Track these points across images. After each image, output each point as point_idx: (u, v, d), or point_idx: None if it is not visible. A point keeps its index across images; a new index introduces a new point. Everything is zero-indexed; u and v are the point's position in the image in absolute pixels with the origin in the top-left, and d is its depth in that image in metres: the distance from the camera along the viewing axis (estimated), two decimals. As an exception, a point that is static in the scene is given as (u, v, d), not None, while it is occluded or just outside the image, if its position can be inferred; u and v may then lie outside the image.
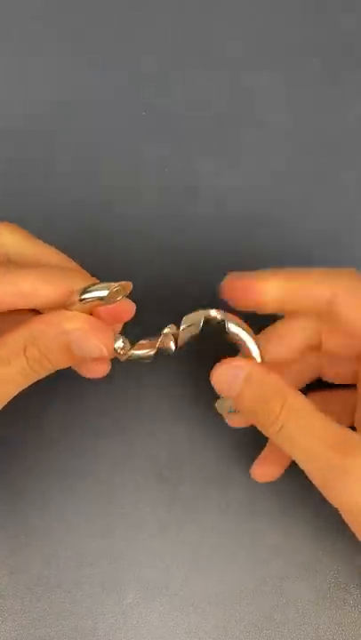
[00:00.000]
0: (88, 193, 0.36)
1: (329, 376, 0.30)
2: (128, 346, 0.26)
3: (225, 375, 0.25)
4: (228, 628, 0.30)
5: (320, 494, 0.32)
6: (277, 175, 0.37)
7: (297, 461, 0.24)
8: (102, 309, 0.25)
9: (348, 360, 0.28)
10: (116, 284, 0.24)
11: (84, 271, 0.26)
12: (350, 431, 0.23)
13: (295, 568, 0.30)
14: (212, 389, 0.31)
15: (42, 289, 0.24)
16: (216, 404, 0.27)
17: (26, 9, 0.40)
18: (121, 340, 0.26)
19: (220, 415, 0.32)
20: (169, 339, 0.27)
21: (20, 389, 0.25)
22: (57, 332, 0.24)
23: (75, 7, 0.40)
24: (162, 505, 0.31)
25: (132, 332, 0.33)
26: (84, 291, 0.24)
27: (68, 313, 0.24)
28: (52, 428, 0.32)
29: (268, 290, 0.25)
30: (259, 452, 0.32)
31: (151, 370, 0.33)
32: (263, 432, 0.25)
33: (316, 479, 0.23)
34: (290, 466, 0.31)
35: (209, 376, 0.33)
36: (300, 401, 0.24)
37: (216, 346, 0.33)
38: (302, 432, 0.23)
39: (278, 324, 0.29)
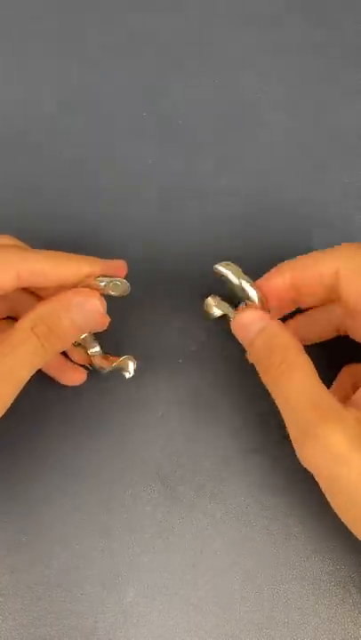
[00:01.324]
0: (88, 193, 0.36)
1: (354, 335, 0.30)
2: (105, 361, 0.31)
3: (245, 321, 0.27)
4: (228, 627, 0.30)
5: (320, 494, 0.32)
6: (277, 175, 0.37)
7: (282, 413, 0.25)
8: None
9: None
10: (114, 281, 0.27)
11: (91, 257, 0.28)
12: (336, 401, 0.24)
13: (295, 568, 0.30)
14: (212, 390, 0.31)
15: (52, 269, 0.27)
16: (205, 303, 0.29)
17: (26, 9, 0.40)
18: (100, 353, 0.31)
19: (219, 417, 0.32)
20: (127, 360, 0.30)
21: (33, 372, 0.26)
22: (61, 303, 0.27)
23: (75, 7, 0.40)
24: (162, 505, 0.31)
25: (134, 331, 0.33)
26: (100, 277, 0.27)
27: (70, 292, 0.27)
28: (51, 429, 0.32)
29: (278, 283, 0.27)
30: (258, 453, 0.32)
31: (150, 372, 0.33)
32: (261, 376, 0.26)
33: (292, 434, 0.25)
34: (289, 466, 0.32)
35: (209, 377, 0.33)
36: (301, 361, 0.25)
37: (217, 349, 0.33)
38: (292, 388, 0.25)
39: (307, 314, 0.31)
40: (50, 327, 0.26)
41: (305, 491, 0.31)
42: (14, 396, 0.26)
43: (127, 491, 0.31)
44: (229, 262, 0.28)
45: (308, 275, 0.27)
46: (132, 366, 0.30)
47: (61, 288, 0.28)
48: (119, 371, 0.30)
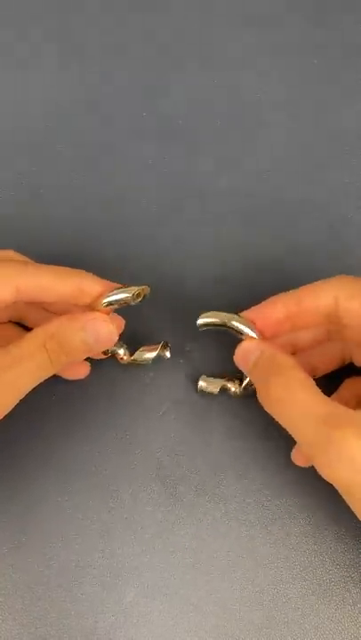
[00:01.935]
0: (88, 193, 0.37)
1: (358, 362, 0.31)
2: (128, 352, 0.31)
3: (243, 352, 0.28)
4: (228, 627, 0.30)
5: (320, 494, 0.32)
6: (277, 175, 0.37)
7: (291, 433, 0.25)
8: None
9: None
10: (137, 288, 0.28)
11: (89, 273, 0.29)
12: (342, 407, 0.24)
13: (295, 568, 0.30)
14: (211, 392, 0.31)
15: (57, 284, 0.27)
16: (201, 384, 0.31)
17: (26, 9, 0.40)
18: (122, 347, 0.31)
19: (219, 417, 0.32)
20: (165, 347, 0.32)
21: (35, 384, 0.27)
22: (75, 323, 0.27)
23: (75, 7, 0.40)
24: (162, 505, 0.31)
25: (134, 330, 0.33)
26: (108, 295, 0.28)
27: (84, 311, 0.28)
28: (51, 429, 0.32)
29: (271, 316, 0.28)
30: (258, 453, 0.32)
31: (152, 372, 0.33)
32: (263, 402, 0.26)
33: (309, 453, 0.24)
34: (290, 466, 0.31)
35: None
36: (300, 377, 0.25)
37: (217, 351, 0.33)
38: (297, 405, 0.24)
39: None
40: (60, 344, 0.27)
41: (305, 490, 0.31)
42: (13, 406, 0.27)
43: (127, 491, 0.31)
44: (207, 312, 0.29)
45: (305, 307, 0.27)
46: (168, 351, 0.32)
47: (71, 305, 0.28)
48: (148, 360, 0.31)
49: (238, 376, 0.31)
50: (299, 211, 0.36)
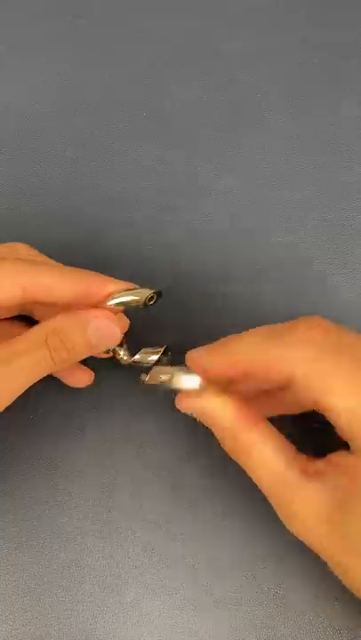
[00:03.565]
0: (88, 193, 0.37)
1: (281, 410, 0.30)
2: (128, 353, 0.30)
3: (188, 387, 0.27)
4: (228, 628, 0.30)
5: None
6: (277, 175, 0.37)
7: (257, 482, 0.25)
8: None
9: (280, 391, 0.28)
10: (149, 292, 0.27)
11: (98, 273, 0.28)
12: (312, 457, 0.24)
13: (295, 567, 0.30)
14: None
15: (61, 284, 0.26)
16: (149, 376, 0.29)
17: (26, 9, 0.40)
18: (122, 348, 0.29)
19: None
20: (168, 351, 0.30)
21: (36, 380, 0.26)
22: (79, 319, 0.27)
23: (75, 7, 0.40)
24: (162, 505, 0.31)
25: (133, 330, 0.33)
26: (117, 296, 0.27)
27: (88, 309, 0.27)
28: (51, 428, 0.32)
29: (221, 366, 0.26)
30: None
31: (137, 367, 0.33)
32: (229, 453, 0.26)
33: (274, 504, 0.25)
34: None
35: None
36: (264, 432, 0.25)
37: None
38: (259, 466, 0.25)
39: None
40: (62, 340, 0.26)
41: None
42: (12, 400, 0.26)
43: (127, 491, 0.31)
44: (146, 372, 0.28)
45: (259, 366, 0.24)
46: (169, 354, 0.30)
47: (78, 304, 0.27)
48: (149, 363, 0.30)
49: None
50: (298, 211, 0.36)
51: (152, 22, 0.40)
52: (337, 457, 0.24)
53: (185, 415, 0.32)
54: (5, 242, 0.35)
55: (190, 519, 0.31)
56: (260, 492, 0.31)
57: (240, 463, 0.26)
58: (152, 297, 0.27)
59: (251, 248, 0.35)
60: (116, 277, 0.34)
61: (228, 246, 0.35)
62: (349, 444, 0.24)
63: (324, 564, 0.30)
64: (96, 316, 0.27)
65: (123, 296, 0.27)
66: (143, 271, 0.35)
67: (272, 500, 0.25)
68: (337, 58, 0.39)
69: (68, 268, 0.28)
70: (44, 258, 0.30)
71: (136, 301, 0.27)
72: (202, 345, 0.27)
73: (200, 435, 0.32)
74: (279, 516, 0.25)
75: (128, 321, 0.30)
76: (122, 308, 0.27)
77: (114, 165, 0.37)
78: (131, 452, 0.32)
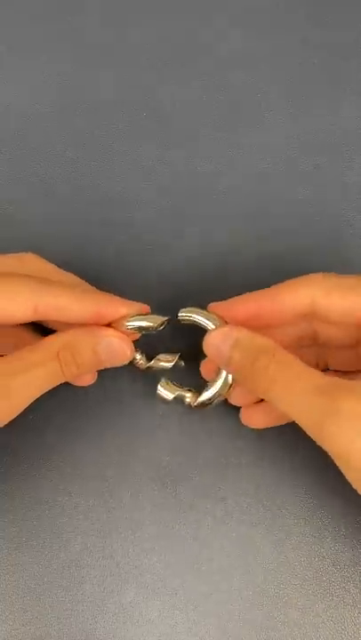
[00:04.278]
0: (88, 194, 0.36)
1: (335, 366, 0.30)
2: (145, 359, 0.30)
3: (215, 340, 0.27)
4: (228, 627, 0.30)
5: (320, 494, 0.32)
6: (277, 175, 0.37)
7: (290, 414, 0.24)
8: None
9: (350, 347, 0.29)
10: (163, 319, 0.28)
11: (111, 295, 0.28)
12: (338, 378, 0.24)
13: (295, 568, 0.30)
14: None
15: (75, 306, 0.27)
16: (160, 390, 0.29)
17: (26, 9, 0.40)
18: (139, 353, 0.29)
19: (219, 417, 0.32)
20: (181, 357, 0.30)
21: (45, 391, 0.27)
22: (91, 336, 0.27)
23: (75, 7, 0.40)
24: (162, 505, 0.31)
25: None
26: (132, 319, 0.28)
27: (101, 326, 0.28)
28: (51, 428, 0.32)
29: (240, 313, 0.27)
30: (258, 453, 0.32)
31: (152, 373, 0.33)
32: (255, 392, 0.26)
33: (310, 427, 0.24)
34: (290, 465, 0.31)
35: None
36: (289, 355, 0.25)
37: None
38: (293, 382, 0.24)
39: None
40: (73, 355, 0.27)
41: (305, 490, 0.31)
42: (20, 411, 0.26)
43: (127, 491, 0.31)
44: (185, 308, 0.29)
45: (279, 304, 0.27)
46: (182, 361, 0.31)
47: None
48: (166, 368, 0.30)
49: (198, 390, 0.29)
50: (298, 211, 0.36)
51: (152, 22, 0.40)
52: None
53: (185, 415, 0.32)
54: (5, 242, 0.35)
55: (191, 519, 0.31)
56: (260, 492, 0.31)
57: (272, 390, 0.25)
58: (163, 322, 0.28)
59: (251, 248, 0.35)
60: (115, 278, 0.35)
61: (229, 246, 0.35)
62: None
63: (325, 563, 0.30)
64: (108, 335, 0.27)
65: (137, 320, 0.28)
66: (142, 270, 0.35)
67: (313, 414, 0.23)
68: (337, 58, 0.39)
69: (81, 287, 0.28)
70: (54, 268, 0.30)
71: (150, 327, 0.28)
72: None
73: (200, 435, 0.32)
74: (324, 433, 0.23)
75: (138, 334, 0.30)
76: (135, 332, 0.28)
77: (114, 165, 0.37)
78: (131, 452, 0.32)
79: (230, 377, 0.28)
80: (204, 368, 0.30)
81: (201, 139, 0.38)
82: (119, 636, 0.30)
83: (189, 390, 0.29)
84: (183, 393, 0.29)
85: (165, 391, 0.29)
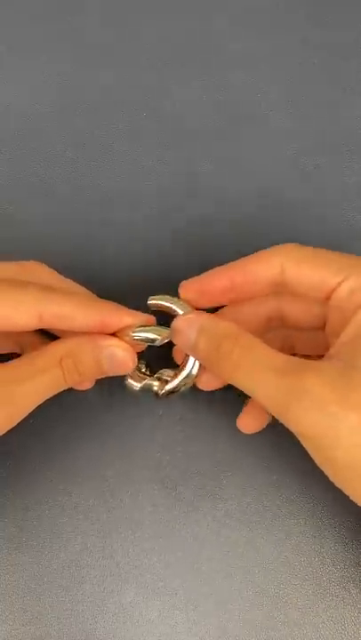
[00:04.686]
0: (88, 194, 0.36)
1: (301, 349, 0.31)
2: (148, 371, 0.30)
3: (180, 326, 0.27)
4: (228, 628, 0.30)
5: (319, 494, 0.32)
6: (277, 175, 0.37)
7: (256, 397, 0.24)
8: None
9: (316, 329, 0.29)
10: (168, 332, 0.27)
11: (116, 304, 0.28)
12: (302, 359, 0.24)
13: (295, 568, 0.30)
14: (211, 392, 0.31)
15: (79, 315, 0.26)
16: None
17: (26, 9, 0.40)
18: (142, 364, 0.29)
19: (219, 418, 0.32)
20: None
21: (45, 399, 0.27)
22: (94, 345, 0.27)
23: (75, 7, 0.40)
24: (162, 505, 0.31)
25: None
26: (138, 330, 0.27)
27: (104, 335, 0.27)
28: (51, 429, 0.32)
29: (215, 285, 0.27)
30: (258, 453, 0.32)
31: (151, 372, 0.33)
32: (221, 377, 0.26)
33: (276, 409, 0.24)
34: (290, 466, 0.32)
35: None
36: (253, 339, 0.25)
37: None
38: (257, 365, 0.24)
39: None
40: (75, 363, 0.27)
41: (305, 490, 0.31)
42: (22, 418, 0.26)
43: (127, 491, 0.31)
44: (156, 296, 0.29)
45: (250, 275, 0.27)
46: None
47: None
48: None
49: (163, 378, 0.29)
50: (299, 211, 0.36)
51: (152, 22, 0.40)
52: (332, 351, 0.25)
53: (185, 415, 0.32)
54: (5, 242, 0.35)
55: (190, 520, 0.31)
56: (260, 492, 0.31)
57: (237, 374, 0.25)
58: (170, 335, 0.28)
59: (251, 249, 0.35)
60: (115, 278, 0.35)
61: (229, 247, 0.35)
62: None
63: (324, 563, 0.30)
64: (111, 344, 0.27)
65: (143, 332, 0.27)
66: (143, 271, 0.35)
67: (278, 396, 0.23)
68: (337, 58, 0.39)
69: (86, 296, 0.28)
70: (57, 276, 0.30)
71: (155, 339, 0.28)
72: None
73: (200, 435, 0.32)
74: (289, 415, 0.23)
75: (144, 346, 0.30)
76: (140, 343, 0.28)
77: (114, 165, 0.37)
78: (131, 452, 0.32)
79: (197, 364, 0.28)
80: (176, 354, 0.30)
81: (201, 139, 0.38)
82: (119, 636, 0.30)
83: (158, 379, 0.29)
84: (151, 382, 0.29)
85: (132, 381, 0.29)
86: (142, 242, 0.35)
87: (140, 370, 0.29)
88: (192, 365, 0.28)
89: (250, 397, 0.28)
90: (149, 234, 0.36)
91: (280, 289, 0.27)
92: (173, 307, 0.28)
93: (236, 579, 0.30)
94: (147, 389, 0.29)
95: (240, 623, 0.30)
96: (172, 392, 0.29)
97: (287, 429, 0.28)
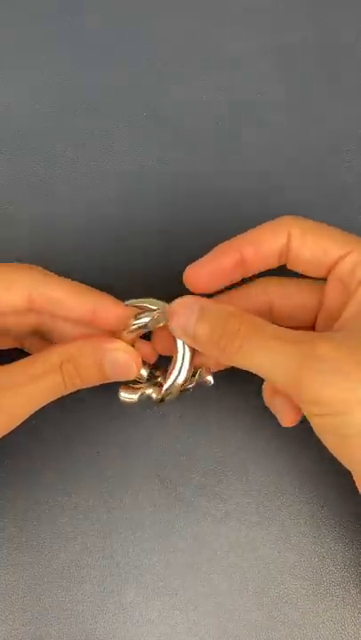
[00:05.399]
0: (88, 193, 0.36)
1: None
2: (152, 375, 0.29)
3: (177, 311, 0.26)
4: (228, 628, 0.30)
5: (320, 494, 0.32)
6: (277, 176, 0.37)
7: (265, 372, 0.24)
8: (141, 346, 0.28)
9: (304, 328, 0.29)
10: (157, 312, 0.27)
11: (110, 296, 0.28)
12: (307, 331, 0.24)
13: (295, 568, 0.30)
14: (211, 390, 0.31)
15: (70, 300, 0.26)
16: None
17: (26, 9, 0.40)
18: (146, 369, 0.29)
19: (219, 417, 0.32)
20: (206, 372, 0.29)
21: (42, 405, 0.26)
22: (96, 348, 0.26)
23: (75, 7, 0.40)
24: (162, 505, 0.31)
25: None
26: (136, 319, 0.27)
27: (107, 337, 0.27)
28: (51, 429, 0.32)
29: (225, 263, 0.27)
30: (258, 453, 0.32)
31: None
32: (224, 360, 0.25)
33: (287, 380, 0.23)
34: (290, 466, 0.31)
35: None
36: (256, 317, 0.25)
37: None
38: (266, 339, 0.24)
39: (233, 292, 0.29)
40: (76, 368, 0.26)
41: (305, 491, 0.31)
42: (20, 422, 0.26)
43: (127, 491, 0.31)
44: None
45: (262, 249, 0.27)
46: (210, 377, 0.29)
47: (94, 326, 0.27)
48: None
49: (157, 381, 0.29)
50: (299, 211, 0.36)
51: (152, 22, 0.40)
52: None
53: (185, 415, 0.32)
54: (5, 242, 0.35)
55: (190, 520, 0.31)
56: (259, 492, 0.31)
57: (244, 350, 0.24)
58: (158, 317, 0.27)
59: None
60: (115, 278, 0.35)
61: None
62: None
63: (324, 563, 0.30)
64: (114, 348, 0.27)
65: (143, 317, 0.27)
66: (143, 271, 0.35)
67: (289, 364, 0.23)
68: (337, 58, 0.39)
69: (80, 285, 0.27)
70: (52, 274, 0.29)
71: (155, 318, 0.27)
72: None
73: (200, 435, 0.32)
74: (296, 379, 0.23)
75: (155, 353, 0.29)
76: (142, 332, 0.27)
77: (114, 165, 0.37)
78: (131, 452, 0.32)
79: (187, 362, 0.27)
80: (156, 342, 0.29)
81: (201, 139, 0.38)
82: (119, 636, 0.30)
83: (154, 384, 0.28)
84: (145, 391, 0.28)
85: (126, 394, 0.28)
86: (142, 242, 0.35)
87: (137, 378, 0.28)
88: (182, 359, 0.28)
89: (270, 400, 0.28)
90: (149, 234, 0.36)
91: (283, 261, 0.27)
92: (149, 305, 0.28)
93: (236, 579, 0.30)
94: (145, 398, 0.28)
95: (240, 623, 0.30)
96: (169, 392, 0.28)
97: (288, 429, 0.28)
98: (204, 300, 0.26)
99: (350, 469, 0.24)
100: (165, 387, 0.28)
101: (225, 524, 0.31)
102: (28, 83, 0.39)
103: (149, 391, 0.28)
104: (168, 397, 0.28)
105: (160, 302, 0.28)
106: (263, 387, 0.28)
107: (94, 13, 0.40)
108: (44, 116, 0.38)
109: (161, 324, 0.27)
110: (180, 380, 0.28)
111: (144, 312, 0.27)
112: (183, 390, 0.28)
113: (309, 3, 0.41)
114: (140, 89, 0.39)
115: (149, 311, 0.27)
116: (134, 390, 0.28)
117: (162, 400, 0.28)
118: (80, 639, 0.30)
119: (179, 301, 0.26)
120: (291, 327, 0.28)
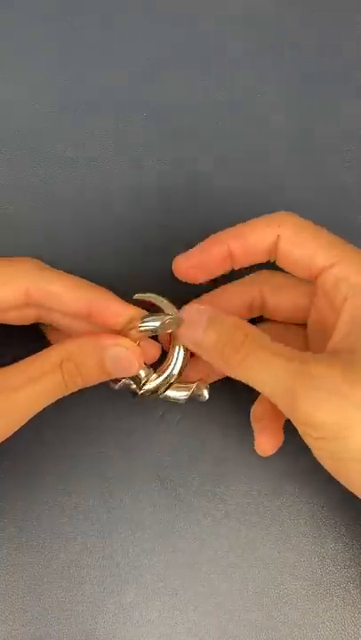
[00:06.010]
0: (88, 193, 0.36)
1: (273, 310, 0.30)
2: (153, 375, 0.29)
3: (192, 318, 0.26)
4: (228, 628, 0.30)
5: (320, 494, 0.32)
6: (277, 176, 0.37)
7: (261, 385, 0.24)
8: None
9: (294, 325, 0.29)
10: (168, 317, 0.27)
11: (110, 292, 0.28)
12: (306, 352, 0.24)
13: (295, 568, 0.30)
14: (211, 390, 0.31)
15: (67, 295, 0.26)
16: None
17: (26, 9, 0.40)
18: (147, 369, 0.28)
19: (219, 418, 0.32)
20: (202, 386, 0.29)
21: (43, 407, 0.26)
22: (96, 345, 0.26)
23: (75, 7, 0.40)
24: (162, 505, 0.31)
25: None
26: (144, 320, 0.27)
27: (107, 334, 0.27)
28: (51, 430, 0.32)
29: (216, 253, 0.27)
30: (257, 455, 0.32)
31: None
32: (225, 368, 0.25)
33: (284, 400, 0.23)
34: (290, 466, 0.31)
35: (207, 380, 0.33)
36: (259, 332, 0.25)
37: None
38: (266, 355, 0.24)
39: (220, 290, 0.30)
40: (77, 366, 0.25)
41: (305, 491, 0.31)
42: (21, 425, 0.26)
43: (127, 491, 0.31)
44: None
45: (250, 244, 0.27)
46: (206, 392, 0.29)
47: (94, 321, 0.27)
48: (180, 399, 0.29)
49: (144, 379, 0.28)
50: (299, 211, 0.36)
51: (152, 22, 0.40)
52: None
53: (185, 415, 0.32)
54: (5, 242, 0.35)
55: (190, 520, 0.31)
56: (259, 492, 0.31)
57: (246, 363, 0.24)
58: (175, 314, 0.27)
59: (251, 248, 0.35)
60: (115, 278, 0.35)
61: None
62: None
63: (324, 563, 0.30)
64: (115, 344, 0.26)
65: (150, 321, 0.27)
66: (143, 271, 0.35)
67: (285, 380, 0.23)
68: (337, 58, 0.39)
69: (79, 280, 0.27)
70: (50, 268, 0.29)
71: (165, 322, 0.27)
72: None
73: (200, 435, 0.32)
74: (290, 396, 0.23)
75: (158, 349, 0.29)
76: (150, 334, 0.27)
77: (114, 165, 0.37)
78: (131, 452, 0.32)
79: (179, 363, 0.28)
80: (164, 341, 0.29)
81: (201, 139, 0.38)
82: (119, 637, 0.30)
83: (137, 377, 0.28)
84: (129, 381, 0.28)
85: (176, 393, 0.28)
86: (142, 242, 0.35)
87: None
88: (174, 363, 0.28)
89: (258, 419, 0.28)
90: (149, 234, 0.36)
91: (273, 258, 0.27)
92: (158, 304, 0.28)
93: (236, 579, 0.30)
94: (125, 388, 0.28)
95: (240, 623, 0.30)
96: (153, 392, 0.28)
97: (287, 429, 0.28)
98: (212, 310, 0.26)
99: (350, 490, 0.24)
100: (151, 385, 0.28)
101: (225, 525, 0.31)
102: (28, 83, 0.39)
103: (129, 382, 0.28)
104: (148, 395, 0.28)
105: (165, 301, 0.28)
106: (253, 407, 0.29)
107: (94, 13, 0.40)
108: (44, 116, 0.38)
109: (169, 330, 0.27)
110: (169, 381, 0.28)
111: (152, 315, 0.27)
112: (174, 401, 0.29)
113: (309, 3, 0.41)
114: (140, 89, 0.39)
115: (159, 314, 0.27)
116: (183, 390, 0.29)
117: (140, 396, 0.28)
118: (80, 639, 0.30)
119: (187, 308, 0.27)
120: (284, 323, 0.28)
